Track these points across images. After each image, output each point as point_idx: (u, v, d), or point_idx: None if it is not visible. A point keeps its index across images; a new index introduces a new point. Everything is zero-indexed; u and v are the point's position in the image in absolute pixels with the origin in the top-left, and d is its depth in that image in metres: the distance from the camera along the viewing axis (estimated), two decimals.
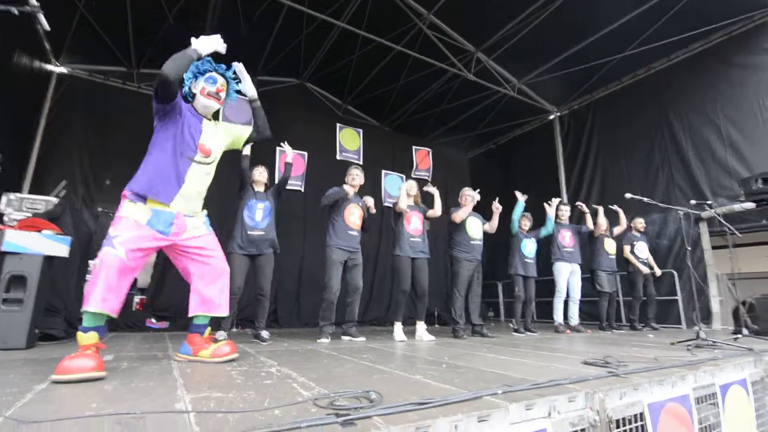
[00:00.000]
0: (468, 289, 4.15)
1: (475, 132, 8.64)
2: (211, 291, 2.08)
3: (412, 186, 4.10)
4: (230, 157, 2.65)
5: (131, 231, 1.82)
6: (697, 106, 5.69)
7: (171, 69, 1.88)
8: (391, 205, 6.02)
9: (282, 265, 5.51)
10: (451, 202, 6.98)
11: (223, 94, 2.21)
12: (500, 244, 5.05)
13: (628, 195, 3.77)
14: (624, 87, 6.68)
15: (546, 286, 5.32)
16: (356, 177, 3.86)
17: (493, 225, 4.36)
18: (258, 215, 3.52)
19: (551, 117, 7.92)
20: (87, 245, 4.27)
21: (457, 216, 4.17)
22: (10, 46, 4.21)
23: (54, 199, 3.16)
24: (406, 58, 6.45)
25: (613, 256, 5.22)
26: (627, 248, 5.30)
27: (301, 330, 5.03)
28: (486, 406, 1.15)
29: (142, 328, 4.50)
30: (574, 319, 4.90)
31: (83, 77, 5.84)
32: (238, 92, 2.36)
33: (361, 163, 6.80)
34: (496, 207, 4.34)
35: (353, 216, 3.78)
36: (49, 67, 5.57)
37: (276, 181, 3.94)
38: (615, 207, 5.29)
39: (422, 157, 7.89)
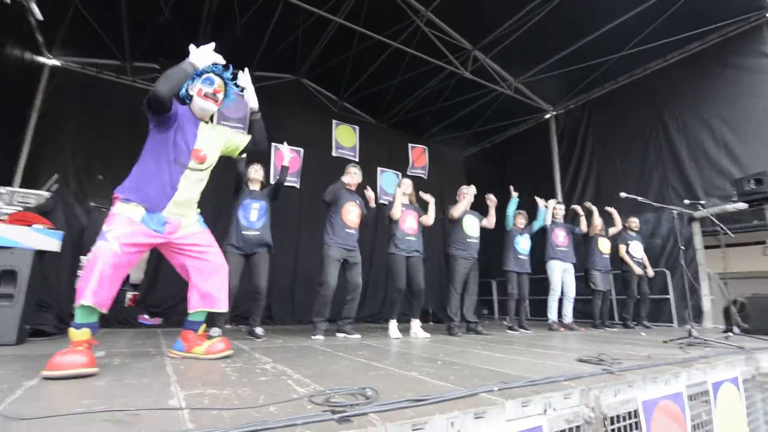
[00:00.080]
0: (464, 286, 4.15)
1: (471, 130, 8.64)
2: (210, 286, 2.06)
3: (407, 185, 4.09)
4: (226, 157, 2.61)
5: (125, 227, 1.80)
6: (691, 107, 5.73)
7: (164, 88, 1.81)
8: (386, 203, 6.02)
9: (276, 261, 5.46)
10: (446, 199, 6.99)
11: (220, 95, 2.14)
12: (494, 242, 5.06)
13: (623, 194, 3.80)
14: (620, 87, 6.72)
15: (540, 284, 5.35)
16: (354, 175, 3.84)
17: (491, 219, 4.37)
18: (253, 215, 3.47)
19: (547, 116, 7.94)
20: (79, 240, 4.21)
21: (455, 211, 4.18)
22: (1, 36, 4.14)
23: (45, 193, 3.12)
24: (403, 55, 6.43)
25: (607, 256, 5.26)
26: (622, 248, 5.34)
27: (296, 327, 5.02)
28: (482, 403, 1.15)
29: (135, 325, 4.46)
30: (568, 317, 4.93)
31: (76, 70, 5.76)
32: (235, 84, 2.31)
33: (357, 160, 6.78)
34: (491, 200, 4.35)
35: (351, 214, 3.77)
36: (41, 59, 5.49)
37: (272, 179, 3.90)
38: (609, 209, 5.32)
39: (418, 155, 7.88)
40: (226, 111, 5.75)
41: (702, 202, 4.65)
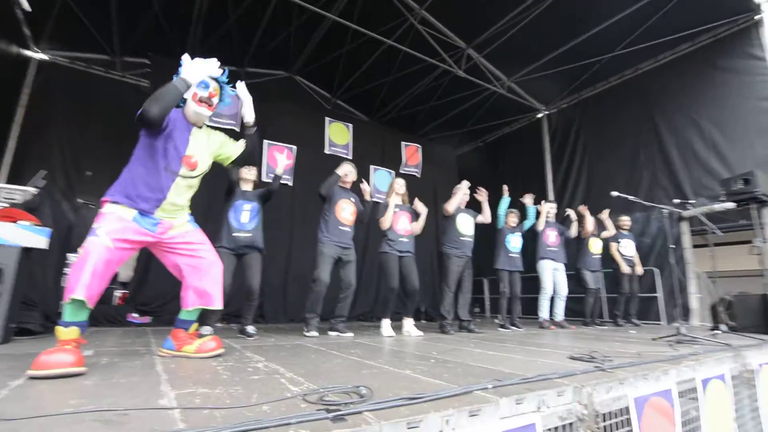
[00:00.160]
0: (459, 285, 4.16)
1: (464, 129, 8.67)
2: (205, 283, 2.03)
3: (401, 185, 4.08)
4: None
5: (116, 223, 1.78)
6: (681, 107, 5.81)
7: (155, 109, 1.75)
8: (380, 201, 6.00)
9: (269, 260, 5.42)
10: (439, 197, 7.01)
11: (215, 99, 2.10)
12: (486, 241, 5.08)
13: (614, 193, 3.83)
14: (611, 87, 6.78)
15: (532, 283, 5.39)
16: (349, 174, 3.83)
17: (485, 213, 4.39)
18: (244, 217, 3.43)
19: (539, 115, 7.99)
20: (66, 237, 4.14)
21: (448, 205, 4.20)
22: None
23: (32, 189, 3.05)
24: (397, 53, 6.42)
25: (598, 256, 5.31)
26: (614, 246, 5.39)
27: (288, 326, 4.99)
28: (476, 401, 1.15)
29: (124, 323, 4.38)
30: (560, 315, 4.97)
31: (64, 64, 5.66)
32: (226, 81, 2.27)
33: (350, 157, 6.75)
34: (482, 192, 4.36)
35: (344, 211, 3.75)
36: (28, 53, 5.37)
37: (264, 177, 3.86)
38: (602, 216, 5.38)
39: (411, 153, 7.88)
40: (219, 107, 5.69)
41: (691, 201, 4.72)
